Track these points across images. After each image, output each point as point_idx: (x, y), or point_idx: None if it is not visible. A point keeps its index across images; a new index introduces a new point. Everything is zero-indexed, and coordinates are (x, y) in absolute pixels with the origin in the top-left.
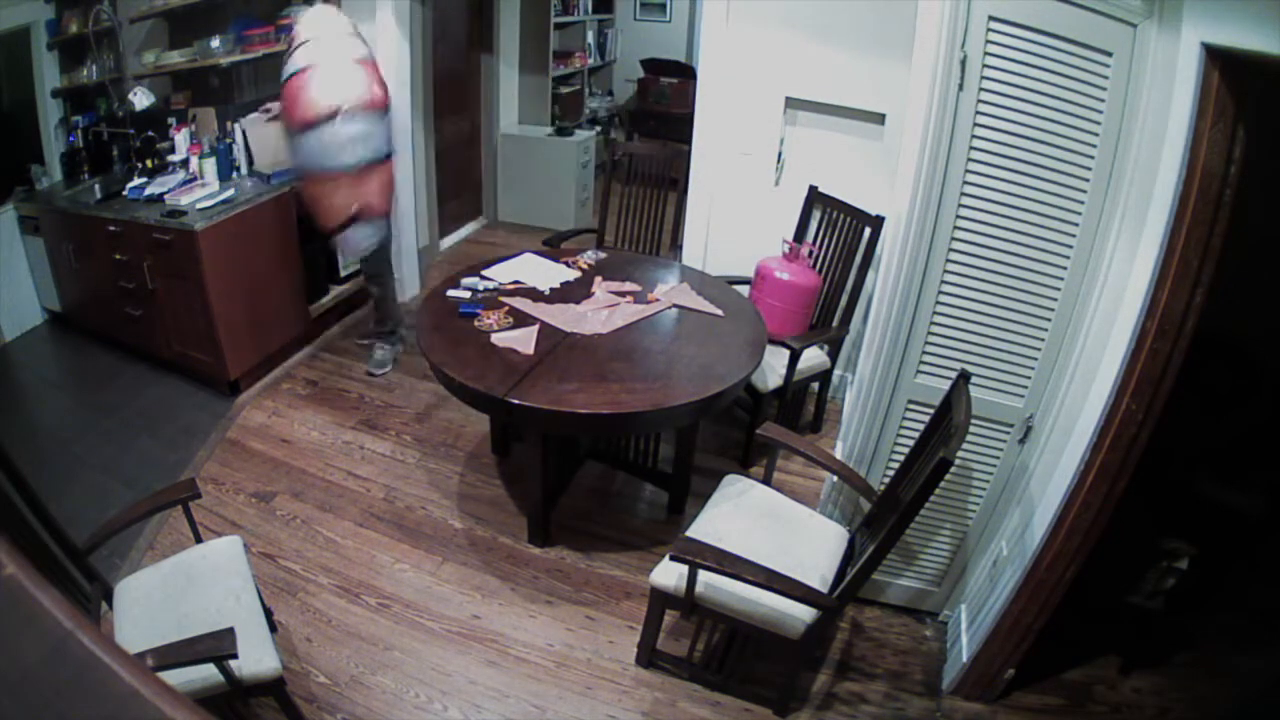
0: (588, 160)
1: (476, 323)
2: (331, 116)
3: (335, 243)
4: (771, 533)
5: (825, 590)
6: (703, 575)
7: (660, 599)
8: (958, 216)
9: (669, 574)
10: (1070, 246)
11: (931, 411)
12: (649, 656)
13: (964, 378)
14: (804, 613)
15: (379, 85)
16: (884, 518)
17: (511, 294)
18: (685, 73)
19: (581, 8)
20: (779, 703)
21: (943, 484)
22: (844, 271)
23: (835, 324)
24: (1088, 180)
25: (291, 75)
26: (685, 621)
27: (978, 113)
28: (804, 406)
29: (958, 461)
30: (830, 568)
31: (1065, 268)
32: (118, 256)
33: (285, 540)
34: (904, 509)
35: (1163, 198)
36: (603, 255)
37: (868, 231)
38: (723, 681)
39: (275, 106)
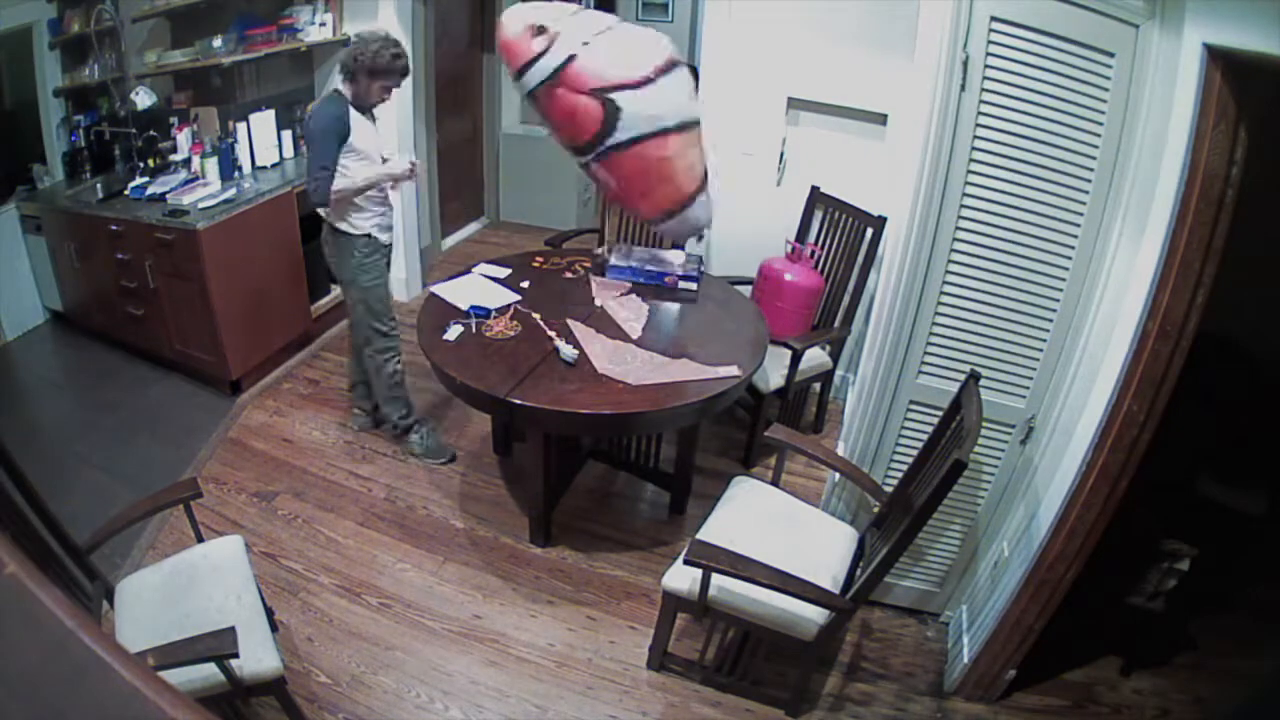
0: None
1: (486, 332)
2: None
3: (671, 230)
4: (782, 534)
5: (836, 591)
6: (716, 578)
7: (673, 602)
8: (959, 217)
9: (682, 577)
10: (1072, 247)
11: (933, 411)
12: (660, 660)
13: (974, 378)
14: (817, 614)
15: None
16: (895, 519)
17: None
18: None
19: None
20: (791, 704)
21: None
22: (846, 272)
23: (837, 324)
24: (1089, 181)
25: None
26: (695, 624)
27: (980, 113)
28: (805, 407)
29: None
30: (841, 569)
31: (1067, 268)
32: (120, 256)
33: (286, 540)
34: (917, 511)
35: (1164, 199)
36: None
37: (870, 232)
38: (734, 684)
39: None
